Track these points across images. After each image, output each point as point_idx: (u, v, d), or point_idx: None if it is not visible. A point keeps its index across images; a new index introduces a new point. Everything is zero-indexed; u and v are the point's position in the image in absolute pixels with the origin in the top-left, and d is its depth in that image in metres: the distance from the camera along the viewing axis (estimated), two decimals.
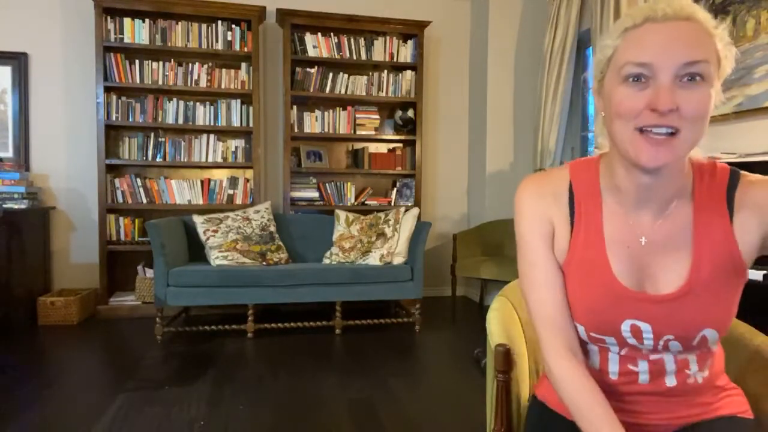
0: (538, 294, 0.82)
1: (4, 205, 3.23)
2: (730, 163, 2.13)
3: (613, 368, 0.82)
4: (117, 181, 3.64)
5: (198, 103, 3.73)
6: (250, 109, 3.79)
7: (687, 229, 0.76)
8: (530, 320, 0.85)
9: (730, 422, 0.82)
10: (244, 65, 3.77)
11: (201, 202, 3.77)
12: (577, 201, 0.82)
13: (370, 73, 4.02)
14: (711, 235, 0.75)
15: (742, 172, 0.77)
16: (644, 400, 0.83)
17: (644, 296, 0.76)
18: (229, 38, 3.70)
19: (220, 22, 3.68)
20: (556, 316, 0.81)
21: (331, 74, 3.90)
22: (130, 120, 3.62)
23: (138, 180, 3.67)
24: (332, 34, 3.89)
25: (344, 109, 3.97)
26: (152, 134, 3.70)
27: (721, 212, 0.75)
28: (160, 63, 3.64)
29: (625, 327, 0.77)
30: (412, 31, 3.96)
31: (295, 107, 3.88)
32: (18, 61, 3.61)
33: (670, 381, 0.80)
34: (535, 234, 0.82)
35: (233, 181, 3.85)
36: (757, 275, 1.71)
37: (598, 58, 0.75)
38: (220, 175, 3.90)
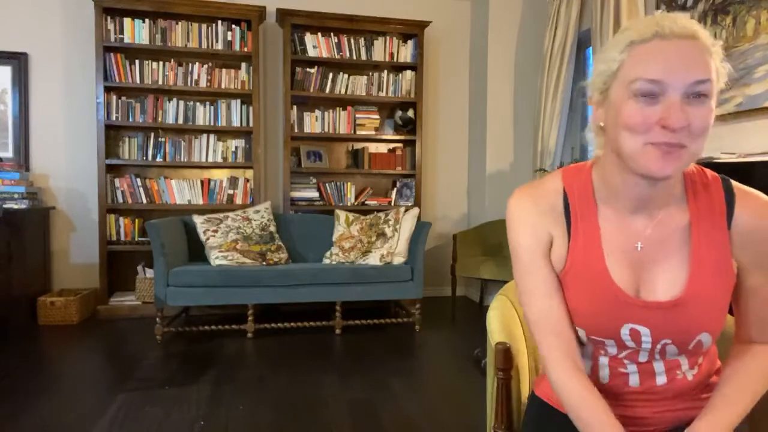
0: (537, 304, 0.83)
1: (4, 205, 3.23)
2: (729, 163, 2.12)
3: (604, 372, 0.85)
4: (117, 181, 3.64)
5: (198, 103, 3.73)
6: (250, 109, 3.79)
7: (682, 237, 0.78)
8: (530, 330, 0.86)
9: None
10: (244, 65, 3.77)
11: (201, 202, 3.77)
12: (572, 209, 0.83)
13: (370, 73, 4.03)
14: (710, 247, 0.77)
15: (732, 182, 0.81)
16: (636, 400, 0.85)
17: (643, 303, 0.78)
18: (229, 38, 3.71)
19: (220, 22, 3.68)
20: (557, 324, 0.82)
21: (331, 74, 3.90)
22: (130, 120, 3.62)
23: (138, 180, 3.67)
24: (332, 34, 3.90)
25: (344, 109, 3.97)
26: (152, 134, 3.70)
27: (721, 226, 0.77)
28: (160, 63, 3.64)
29: (625, 331, 0.79)
30: (412, 31, 3.96)
31: (295, 107, 3.88)
32: (18, 61, 3.61)
33: (660, 380, 0.82)
34: (531, 246, 0.83)
35: (233, 181, 3.85)
36: None
37: (600, 69, 0.75)
38: (220, 175, 3.90)
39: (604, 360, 0.84)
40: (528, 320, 0.85)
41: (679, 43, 0.68)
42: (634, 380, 0.83)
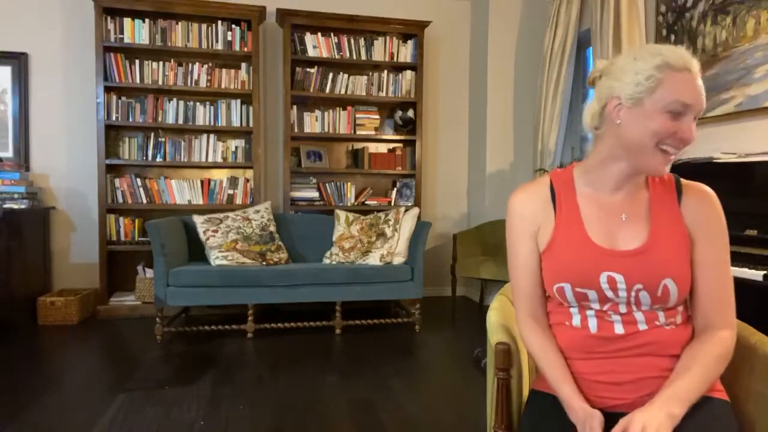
0: (517, 275, 1.07)
1: (4, 205, 3.23)
2: (729, 163, 2.12)
3: (592, 323, 0.99)
4: (117, 181, 3.64)
5: (198, 103, 3.73)
6: (250, 109, 3.79)
7: (645, 208, 1.01)
8: (512, 294, 1.10)
9: (705, 401, 0.91)
10: (244, 65, 3.77)
11: (201, 202, 3.77)
12: (557, 193, 1.05)
13: (370, 73, 4.03)
14: (666, 213, 0.99)
15: (680, 178, 1.04)
16: (622, 354, 0.96)
17: (615, 252, 0.97)
18: (229, 38, 3.71)
19: (220, 22, 3.68)
20: (528, 289, 1.06)
21: (331, 74, 3.91)
22: (130, 120, 3.62)
23: (138, 180, 3.67)
24: (332, 34, 3.90)
25: (344, 109, 3.97)
26: (152, 134, 3.70)
27: (673, 204, 1.00)
28: (160, 63, 3.64)
29: (603, 279, 0.96)
30: (412, 31, 3.97)
31: (295, 107, 3.88)
32: (18, 61, 3.62)
33: (642, 327, 0.96)
34: (521, 233, 1.06)
35: (233, 181, 3.85)
36: (757, 275, 1.71)
37: (637, 80, 0.92)
38: (220, 175, 3.90)
39: (590, 313, 1.00)
40: (512, 287, 1.09)
41: (696, 78, 0.91)
42: (619, 328, 0.97)
